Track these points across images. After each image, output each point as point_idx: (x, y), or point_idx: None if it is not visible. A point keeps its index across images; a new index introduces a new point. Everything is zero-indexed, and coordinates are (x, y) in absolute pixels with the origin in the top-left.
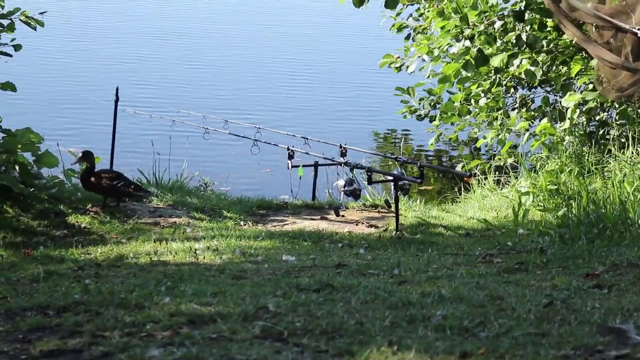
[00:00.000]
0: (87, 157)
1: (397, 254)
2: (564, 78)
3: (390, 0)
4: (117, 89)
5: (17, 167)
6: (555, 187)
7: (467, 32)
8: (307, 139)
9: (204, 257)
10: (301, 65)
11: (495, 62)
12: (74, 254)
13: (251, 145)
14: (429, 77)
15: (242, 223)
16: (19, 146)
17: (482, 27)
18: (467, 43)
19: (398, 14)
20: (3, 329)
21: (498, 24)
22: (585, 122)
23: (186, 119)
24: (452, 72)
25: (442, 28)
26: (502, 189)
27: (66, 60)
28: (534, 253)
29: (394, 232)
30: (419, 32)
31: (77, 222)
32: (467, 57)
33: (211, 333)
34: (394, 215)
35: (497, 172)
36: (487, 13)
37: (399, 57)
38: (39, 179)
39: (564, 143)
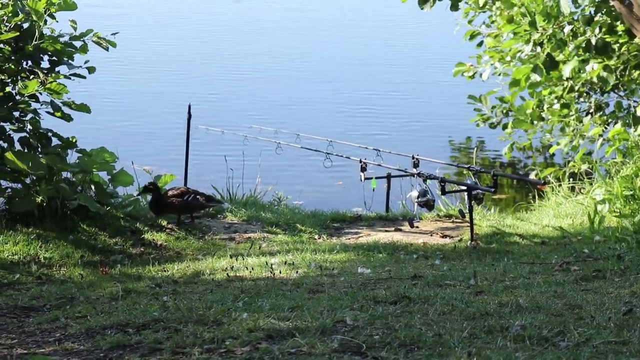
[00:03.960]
0: (148, 189)
1: (472, 264)
2: (638, 82)
3: (454, 2)
4: (189, 107)
5: (93, 187)
6: (631, 192)
7: (536, 36)
8: (379, 150)
9: (280, 272)
10: (372, 77)
11: (567, 71)
12: (151, 271)
13: (324, 159)
14: (499, 74)
15: (316, 236)
16: (95, 165)
17: (550, 32)
18: (537, 49)
19: (470, 22)
20: (84, 348)
21: (567, 29)
22: None
23: (258, 134)
24: (522, 76)
25: (514, 33)
26: (576, 195)
27: (138, 79)
28: (611, 260)
29: (469, 242)
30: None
31: (153, 239)
32: (537, 62)
33: (290, 348)
34: (469, 225)
35: (571, 179)
36: (557, 18)
37: (471, 65)
38: (115, 197)
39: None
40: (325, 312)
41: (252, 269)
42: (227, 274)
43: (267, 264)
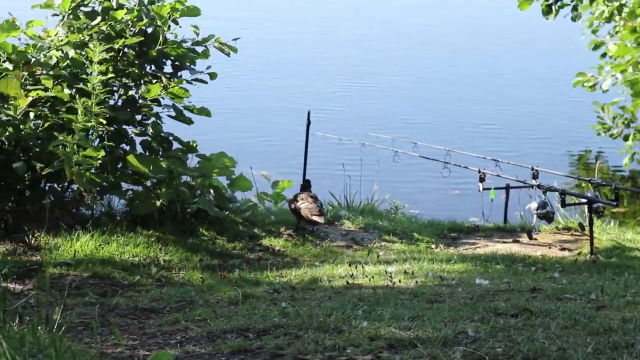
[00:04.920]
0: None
1: (592, 278)
2: None
3: (545, 8)
4: (308, 113)
5: (212, 191)
6: None
7: None
8: (497, 161)
9: (399, 281)
10: (491, 86)
11: None
12: (269, 276)
13: (441, 168)
14: (619, 84)
15: (433, 246)
16: (214, 170)
17: None
18: None
19: (594, 32)
20: (205, 351)
21: None
22: None
23: (375, 141)
24: None
25: (637, 44)
26: None
27: (258, 84)
28: None
29: (589, 255)
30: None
31: (271, 245)
32: None
33: (412, 358)
34: (588, 238)
35: None
36: None
37: (592, 76)
38: (233, 202)
39: None
40: (446, 323)
41: (372, 277)
42: (347, 281)
43: (386, 272)
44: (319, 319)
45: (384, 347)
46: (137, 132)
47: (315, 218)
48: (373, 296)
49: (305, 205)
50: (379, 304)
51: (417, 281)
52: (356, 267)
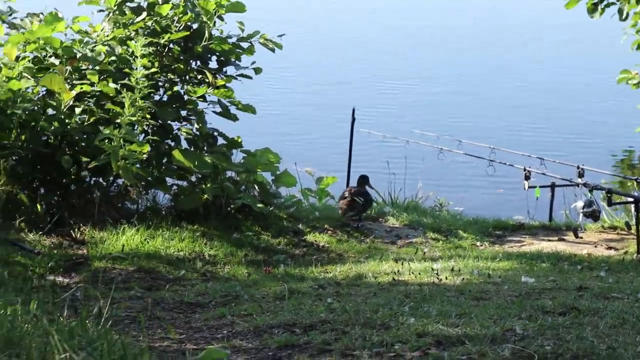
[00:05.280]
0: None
1: (639, 277)
2: None
3: (590, 7)
4: (353, 110)
5: (256, 187)
6: None
7: None
8: (542, 159)
9: (445, 278)
10: (535, 84)
11: None
12: (313, 272)
13: (487, 166)
14: None
15: (478, 243)
16: (259, 166)
17: None
18: None
19: (638, 31)
20: (252, 346)
21: None
22: None
23: (420, 138)
24: None
25: None
26: None
27: (302, 80)
28: None
29: (635, 254)
30: None
31: (316, 240)
32: None
33: (460, 355)
34: (635, 237)
35: None
36: None
37: (637, 73)
38: (278, 198)
39: None
40: (493, 320)
41: (419, 273)
42: (393, 277)
43: (432, 269)
44: (365, 315)
45: (431, 344)
46: (183, 128)
47: (341, 211)
48: (419, 293)
49: (342, 199)
50: (425, 301)
51: (462, 278)
52: (402, 264)
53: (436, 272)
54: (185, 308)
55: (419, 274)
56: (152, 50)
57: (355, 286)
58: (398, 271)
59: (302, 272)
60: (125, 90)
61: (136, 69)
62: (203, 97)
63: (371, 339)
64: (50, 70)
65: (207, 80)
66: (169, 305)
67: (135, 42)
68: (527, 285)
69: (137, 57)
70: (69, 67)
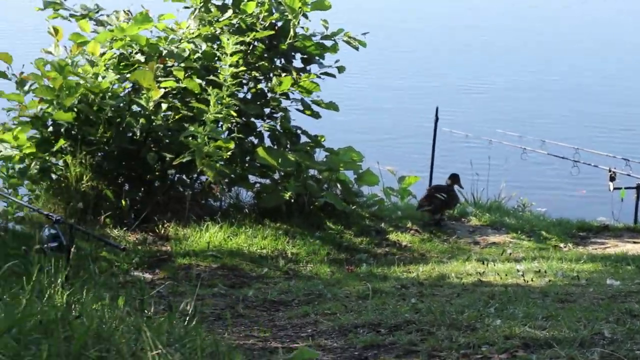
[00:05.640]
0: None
1: None
2: None
3: None
4: (436, 109)
5: (338, 185)
6: None
7: None
8: (628, 160)
9: (530, 279)
10: (622, 84)
11: None
12: (396, 271)
13: (571, 166)
14: None
15: (562, 245)
16: (342, 164)
17: None
18: None
19: None
20: (338, 345)
21: None
22: None
23: (503, 138)
24: None
25: None
26: None
27: (384, 79)
28: None
29: None
30: None
31: (398, 240)
32: None
33: (548, 358)
34: None
35: None
36: None
37: None
38: (360, 197)
39: None
40: (584, 324)
41: (505, 275)
42: (478, 278)
43: (518, 270)
44: (451, 316)
45: (519, 346)
46: (267, 125)
47: (420, 208)
48: (504, 294)
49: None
50: (511, 302)
51: (546, 280)
52: (486, 264)
53: (521, 273)
54: (269, 306)
55: (505, 275)
56: (240, 48)
57: (438, 286)
58: (482, 272)
59: (384, 271)
60: (211, 87)
61: (223, 66)
62: (286, 95)
63: (458, 340)
64: (136, 67)
65: (292, 78)
66: (252, 303)
67: (228, 39)
68: (612, 288)
69: (227, 54)
70: (160, 65)
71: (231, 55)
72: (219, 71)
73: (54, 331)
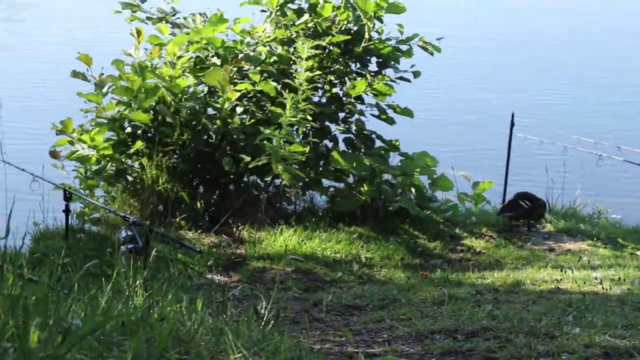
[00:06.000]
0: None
1: None
2: None
3: None
4: (512, 115)
5: (413, 190)
6: None
7: None
8: None
9: (608, 287)
10: None
11: None
12: (470, 277)
13: None
14: None
15: (638, 253)
16: (416, 169)
17: None
18: None
19: None
20: (415, 351)
21: None
22: None
23: (578, 144)
24: None
25: None
26: None
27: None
28: None
29: None
30: None
31: (472, 245)
32: None
33: None
34: None
35: None
36: None
37: None
38: (434, 202)
39: None
40: None
41: (583, 282)
42: (557, 286)
43: (595, 278)
44: (529, 324)
45: (599, 355)
46: (341, 129)
47: (501, 214)
48: (581, 302)
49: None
50: (589, 311)
51: (622, 288)
52: (563, 272)
53: (599, 281)
54: (343, 310)
55: (583, 282)
56: (316, 52)
57: (514, 293)
58: (559, 279)
59: (459, 277)
60: (287, 90)
61: (299, 70)
62: (361, 100)
63: (536, 348)
64: (211, 69)
65: (368, 81)
66: (326, 307)
67: (302, 43)
68: None
69: (302, 58)
70: (235, 68)
71: (306, 59)
72: (294, 75)
73: (136, 333)
